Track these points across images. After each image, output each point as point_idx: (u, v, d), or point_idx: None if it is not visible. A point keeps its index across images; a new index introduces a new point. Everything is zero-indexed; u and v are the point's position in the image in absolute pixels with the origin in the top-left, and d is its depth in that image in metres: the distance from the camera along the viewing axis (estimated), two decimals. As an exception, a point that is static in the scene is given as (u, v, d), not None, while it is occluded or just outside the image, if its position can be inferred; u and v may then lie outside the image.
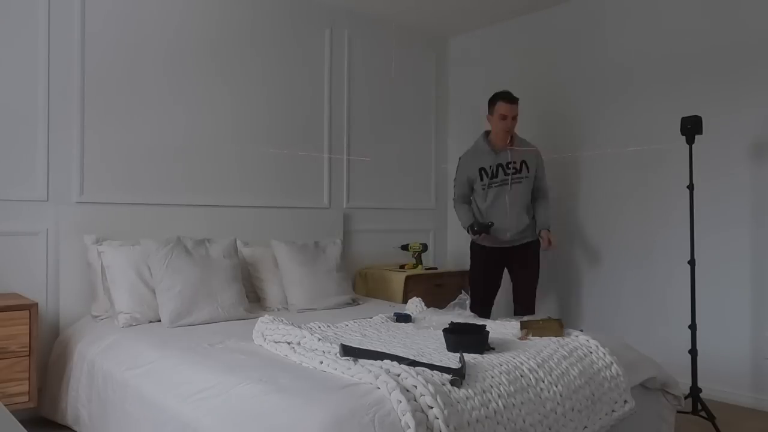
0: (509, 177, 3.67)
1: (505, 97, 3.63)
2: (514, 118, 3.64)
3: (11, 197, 3.08)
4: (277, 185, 4.05)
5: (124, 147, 3.42)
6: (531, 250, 3.75)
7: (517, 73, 4.59)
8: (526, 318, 2.69)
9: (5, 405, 1.62)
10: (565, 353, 2.30)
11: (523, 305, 3.72)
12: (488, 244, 3.76)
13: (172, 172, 3.59)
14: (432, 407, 1.74)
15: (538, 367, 2.14)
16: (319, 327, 2.68)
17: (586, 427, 2.13)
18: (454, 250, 5.01)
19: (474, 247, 3.88)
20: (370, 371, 1.88)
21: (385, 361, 2.00)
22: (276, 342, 2.37)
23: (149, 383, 2.30)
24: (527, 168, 3.69)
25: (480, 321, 2.71)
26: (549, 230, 3.70)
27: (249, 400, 1.88)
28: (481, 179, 3.71)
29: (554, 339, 2.45)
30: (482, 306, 3.75)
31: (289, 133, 4.11)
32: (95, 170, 3.32)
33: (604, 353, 2.35)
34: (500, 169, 3.68)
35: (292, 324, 2.47)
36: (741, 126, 3.46)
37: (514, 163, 3.67)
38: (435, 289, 4.22)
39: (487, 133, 3.79)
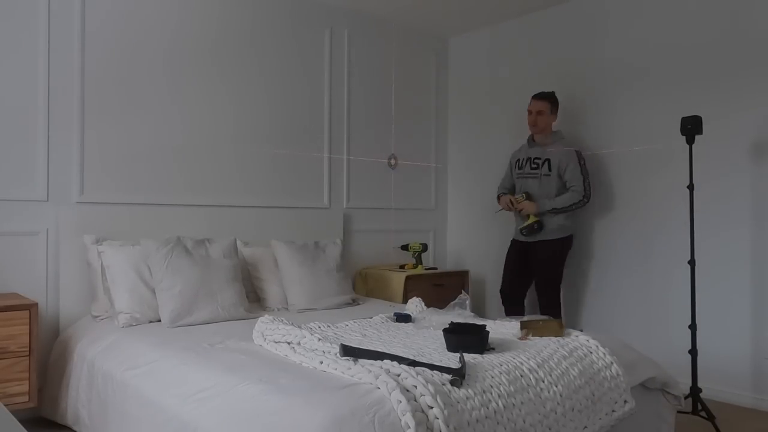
0: (527, 172, 3.90)
1: (534, 94, 3.93)
2: (539, 113, 3.85)
3: (11, 197, 3.08)
4: (277, 185, 4.05)
5: (124, 147, 3.42)
6: (549, 249, 3.83)
7: (517, 73, 4.59)
8: (526, 318, 2.69)
9: (5, 405, 1.62)
10: (565, 353, 2.30)
11: (542, 303, 3.86)
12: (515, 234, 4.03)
13: (173, 172, 3.59)
14: (432, 407, 1.74)
15: (538, 367, 2.14)
16: (319, 327, 2.68)
17: (586, 427, 2.13)
18: (454, 250, 5.01)
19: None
20: (370, 371, 1.88)
21: (385, 361, 2.00)
22: (276, 342, 2.37)
23: (149, 383, 2.30)
24: (549, 166, 3.81)
25: (480, 321, 2.71)
26: (528, 200, 3.83)
27: (249, 400, 1.88)
28: (512, 170, 4.06)
29: (554, 339, 2.46)
30: (506, 297, 3.99)
31: (289, 133, 4.11)
32: (95, 170, 3.32)
33: (604, 353, 2.35)
34: (528, 162, 3.91)
35: (292, 324, 2.46)
36: (741, 126, 3.46)
37: (538, 159, 3.85)
38: (435, 289, 4.22)
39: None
